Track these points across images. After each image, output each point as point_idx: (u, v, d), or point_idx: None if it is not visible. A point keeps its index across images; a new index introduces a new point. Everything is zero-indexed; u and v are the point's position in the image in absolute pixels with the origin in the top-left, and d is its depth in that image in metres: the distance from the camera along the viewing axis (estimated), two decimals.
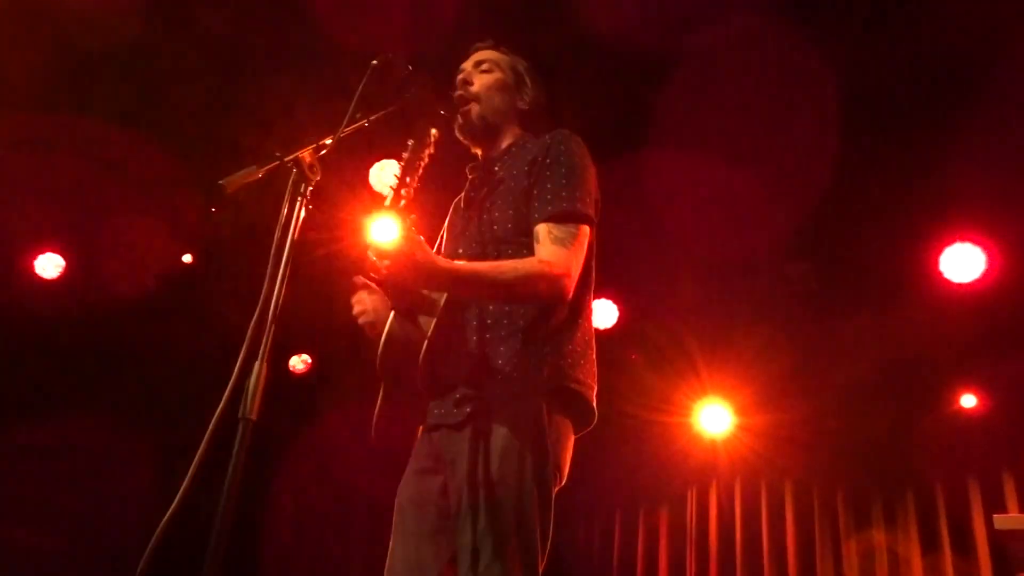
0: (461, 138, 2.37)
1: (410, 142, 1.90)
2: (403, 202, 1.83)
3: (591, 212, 2.12)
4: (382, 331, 2.11)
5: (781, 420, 5.82)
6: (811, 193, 4.50)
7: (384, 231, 1.82)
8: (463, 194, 2.40)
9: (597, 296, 5.59)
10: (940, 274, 4.67)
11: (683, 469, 6.23)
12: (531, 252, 2.06)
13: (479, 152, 2.39)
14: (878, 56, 3.86)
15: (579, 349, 2.10)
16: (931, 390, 5.44)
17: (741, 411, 5.93)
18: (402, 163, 1.88)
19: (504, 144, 2.34)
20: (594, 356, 2.16)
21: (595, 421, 2.13)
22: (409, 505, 2.08)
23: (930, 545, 5.36)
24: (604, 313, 5.58)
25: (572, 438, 2.09)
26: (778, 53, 3.88)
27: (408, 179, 1.86)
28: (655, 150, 4.38)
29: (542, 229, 2.05)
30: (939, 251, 4.67)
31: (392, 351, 2.05)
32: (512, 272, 1.99)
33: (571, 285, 2.03)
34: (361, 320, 2.21)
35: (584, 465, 6.26)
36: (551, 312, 2.06)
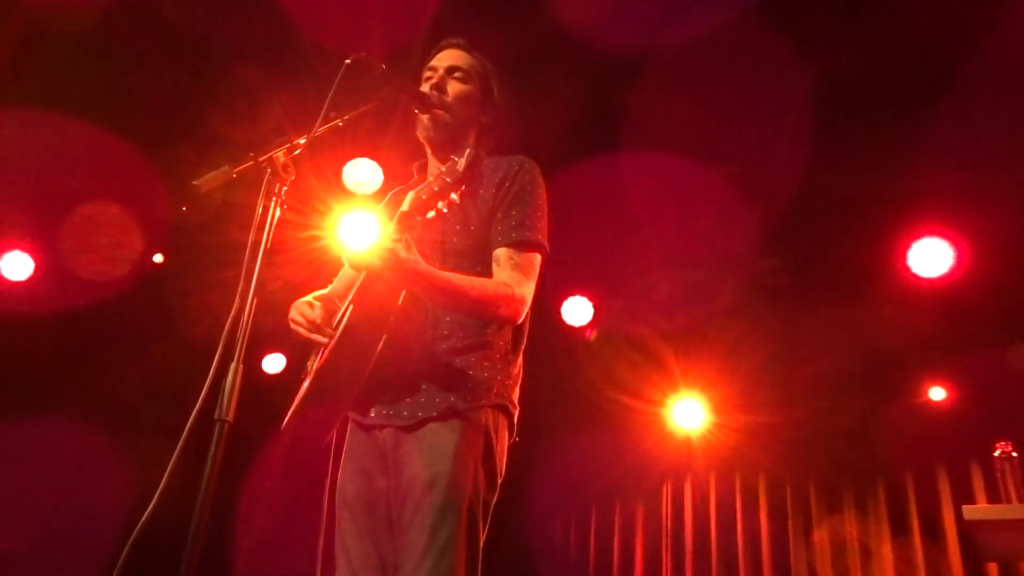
0: (420, 136, 2.39)
1: (458, 159, 1.90)
2: (431, 213, 1.85)
3: (547, 243, 2.24)
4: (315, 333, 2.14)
5: (754, 415, 5.88)
6: (782, 189, 4.55)
7: (374, 227, 1.87)
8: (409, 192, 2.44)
9: (572, 293, 5.64)
10: (908, 269, 4.74)
11: (658, 464, 6.28)
12: (486, 269, 2.18)
13: (429, 151, 2.42)
14: (847, 53, 3.90)
15: (515, 373, 2.24)
16: (900, 383, 5.52)
17: (715, 406, 5.98)
18: (443, 180, 1.87)
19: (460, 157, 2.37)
20: (521, 383, 2.28)
21: (515, 439, 2.24)
22: (358, 504, 2.12)
23: (901, 536, 5.45)
24: (578, 310, 5.59)
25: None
26: (749, 50, 3.91)
27: (453, 195, 1.86)
28: (628, 148, 4.40)
29: (503, 253, 2.17)
30: (907, 246, 4.74)
31: (347, 346, 2.05)
32: (482, 289, 2.09)
33: (524, 311, 2.17)
34: (293, 326, 2.22)
35: (559, 461, 6.31)
36: (500, 333, 2.19)
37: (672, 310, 5.56)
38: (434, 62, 2.40)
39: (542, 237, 2.22)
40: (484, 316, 2.13)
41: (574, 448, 6.22)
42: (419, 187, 1.87)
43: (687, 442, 6.17)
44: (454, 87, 2.35)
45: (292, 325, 2.19)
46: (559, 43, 4.04)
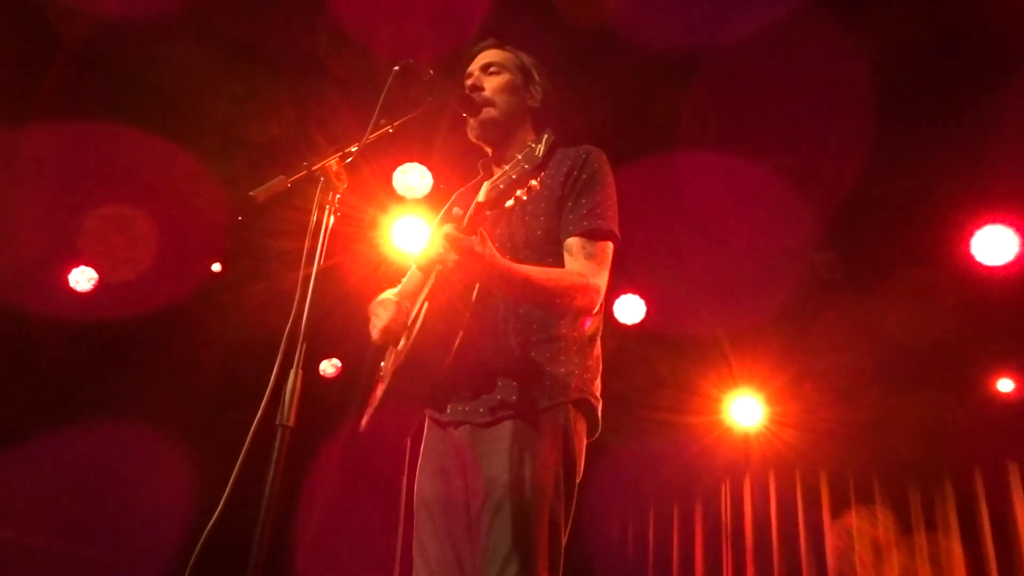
0: (473, 139, 2.41)
1: (536, 144, 1.84)
2: (510, 201, 1.82)
3: (618, 231, 2.20)
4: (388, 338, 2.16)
5: (813, 411, 5.77)
6: (841, 179, 4.46)
7: (446, 222, 1.85)
8: (478, 190, 2.44)
9: (624, 292, 5.60)
10: (972, 257, 4.60)
11: (716, 462, 6.21)
12: (556, 260, 2.15)
13: (490, 150, 2.43)
14: (909, 38, 3.81)
15: (595, 365, 2.19)
16: (967, 376, 5.37)
17: (772, 403, 5.89)
18: (521, 167, 1.82)
19: (521, 148, 2.36)
20: (601, 373, 2.24)
21: (598, 434, 2.19)
22: (436, 503, 2.11)
23: (970, 532, 5.30)
24: (631, 308, 5.56)
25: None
26: (806, 41, 3.84)
27: (533, 181, 1.82)
28: (683, 144, 4.37)
29: (575, 243, 2.13)
30: (970, 234, 4.61)
31: (423, 344, 2.04)
32: (557, 280, 2.05)
33: (598, 301, 2.12)
34: (373, 330, 2.24)
35: (616, 460, 6.29)
36: (576, 324, 2.15)
37: (727, 306, 5.49)
38: (470, 68, 2.44)
39: (613, 225, 2.18)
40: (558, 308, 2.09)
41: (630, 447, 6.18)
42: (495, 177, 1.84)
43: (744, 439, 6.08)
44: (491, 81, 2.37)
45: (371, 328, 2.21)
46: (611, 41, 4.03)
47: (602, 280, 2.12)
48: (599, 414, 2.17)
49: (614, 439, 5.99)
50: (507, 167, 1.83)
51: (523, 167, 1.79)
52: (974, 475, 5.43)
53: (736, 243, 5.13)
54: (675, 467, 6.30)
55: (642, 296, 5.56)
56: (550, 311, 2.11)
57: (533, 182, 1.80)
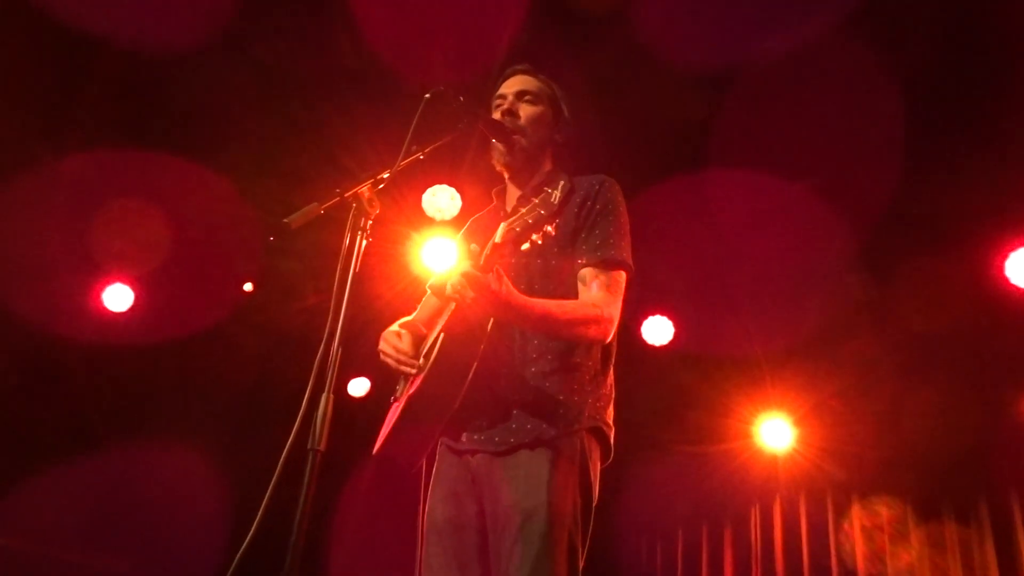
0: (498, 163, 2.42)
1: (552, 191, 1.87)
2: (526, 245, 1.88)
3: (631, 261, 2.22)
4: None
5: (844, 433, 5.69)
6: (872, 202, 4.43)
7: (463, 259, 1.91)
8: (493, 217, 2.46)
9: (653, 312, 5.57)
10: (1006, 279, 4.55)
11: (745, 485, 6.13)
12: (569, 290, 2.18)
13: (506, 175, 2.44)
14: (940, 60, 3.79)
15: (607, 393, 2.22)
16: (1001, 399, 5.27)
17: (803, 425, 5.81)
18: (537, 212, 1.86)
19: (537, 179, 2.39)
20: (614, 402, 2.26)
21: (611, 460, 2.22)
22: (447, 527, 2.12)
23: (1008, 560, 5.18)
24: (659, 330, 5.53)
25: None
26: (839, 57, 3.84)
27: (548, 227, 1.87)
28: (713, 166, 4.36)
29: (589, 273, 2.17)
30: (1005, 256, 4.55)
31: (439, 374, 2.07)
32: (572, 313, 2.09)
33: (612, 331, 2.15)
34: (383, 357, 2.26)
35: (644, 483, 6.25)
36: (589, 354, 2.18)
37: (758, 327, 5.45)
38: (502, 89, 2.44)
39: (627, 255, 2.21)
40: (572, 338, 2.12)
41: (659, 470, 6.13)
42: (511, 219, 1.88)
43: (774, 462, 6.01)
44: (526, 110, 2.38)
45: (382, 356, 2.22)
46: (643, 62, 4.04)
47: (615, 310, 2.15)
48: (611, 441, 2.20)
49: (642, 462, 5.95)
50: (524, 210, 1.87)
51: (539, 212, 1.84)
52: (1010, 499, 5.31)
53: (766, 264, 5.10)
54: (704, 490, 6.23)
55: (670, 317, 5.54)
56: (562, 340, 2.14)
57: (549, 228, 1.86)
